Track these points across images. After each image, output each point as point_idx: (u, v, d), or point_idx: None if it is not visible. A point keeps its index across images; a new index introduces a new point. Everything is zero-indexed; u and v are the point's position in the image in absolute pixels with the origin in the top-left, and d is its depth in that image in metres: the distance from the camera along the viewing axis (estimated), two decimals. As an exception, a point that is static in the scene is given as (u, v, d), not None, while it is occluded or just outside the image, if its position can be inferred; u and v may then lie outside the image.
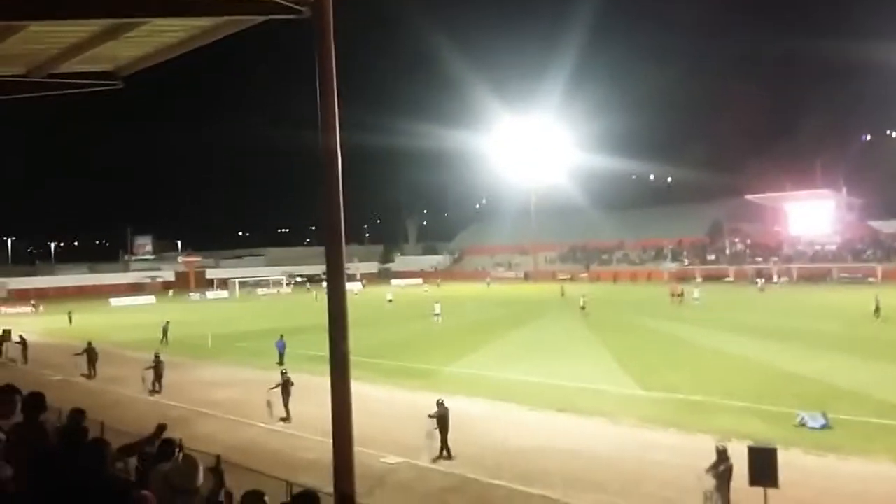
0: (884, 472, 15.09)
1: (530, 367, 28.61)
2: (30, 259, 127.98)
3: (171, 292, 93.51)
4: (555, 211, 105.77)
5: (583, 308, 49.67)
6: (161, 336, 40.00)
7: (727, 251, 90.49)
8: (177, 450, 6.65)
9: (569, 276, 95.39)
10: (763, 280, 71.27)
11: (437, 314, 47.15)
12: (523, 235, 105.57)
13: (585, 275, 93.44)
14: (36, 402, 6.09)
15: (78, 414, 6.96)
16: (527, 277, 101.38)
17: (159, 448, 6.71)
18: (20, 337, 36.84)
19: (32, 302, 74.40)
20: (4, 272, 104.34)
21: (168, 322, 41.79)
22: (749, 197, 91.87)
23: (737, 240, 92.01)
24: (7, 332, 38.80)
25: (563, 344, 35.16)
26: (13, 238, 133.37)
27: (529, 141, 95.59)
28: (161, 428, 6.83)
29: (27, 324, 50.50)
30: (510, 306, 58.18)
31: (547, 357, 31.10)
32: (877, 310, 40.03)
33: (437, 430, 17.43)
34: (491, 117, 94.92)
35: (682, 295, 55.89)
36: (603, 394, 23.53)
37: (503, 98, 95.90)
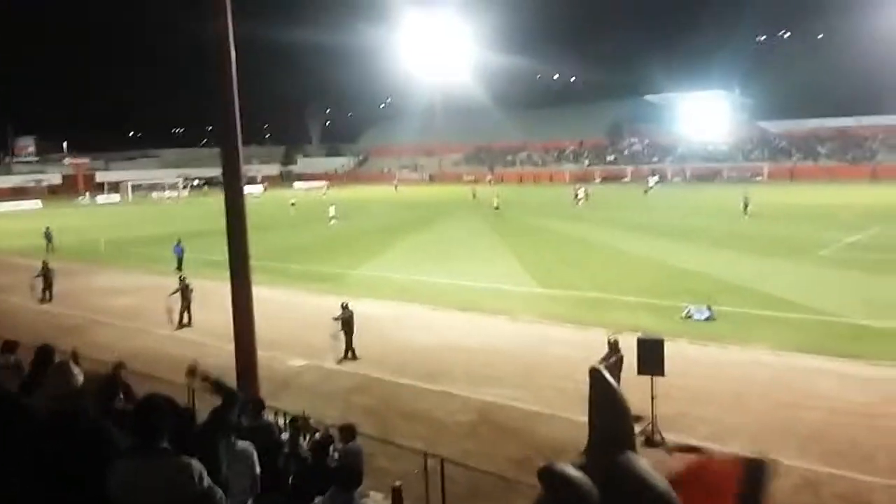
0: (762, 359, 16.33)
1: (434, 268, 29.03)
2: None
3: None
4: (460, 111, 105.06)
5: (496, 208, 50.50)
6: (45, 242, 38.12)
7: (626, 152, 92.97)
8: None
9: (473, 178, 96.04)
10: (653, 178, 73.54)
11: (333, 217, 47.51)
12: (429, 136, 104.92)
13: (490, 177, 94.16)
14: None
15: None
16: (432, 179, 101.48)
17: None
18: None
19: None
20: None
21: (49, 227, 39.64)
22: (648, 97, 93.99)
23: (636, 140, 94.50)
24: None
25: (466, 246, 35.72)
26: None
27: (435, 37, 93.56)
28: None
29: None
30: (416, 209, 58.34)
31: (451, 259, 31.58)
32: (745, 207, 42.46)
33: (343, 332, 17.61)
34: (397, 11, 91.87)
35: (585, 197, 57.24)
36: (505, 293, 24.21)
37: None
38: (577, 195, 55.82)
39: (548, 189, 66.12)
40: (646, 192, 63.23)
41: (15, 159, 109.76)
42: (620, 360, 13.52)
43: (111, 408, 5.73)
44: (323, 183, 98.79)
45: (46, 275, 26.57)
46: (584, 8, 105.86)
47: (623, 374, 13.39)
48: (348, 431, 9.33)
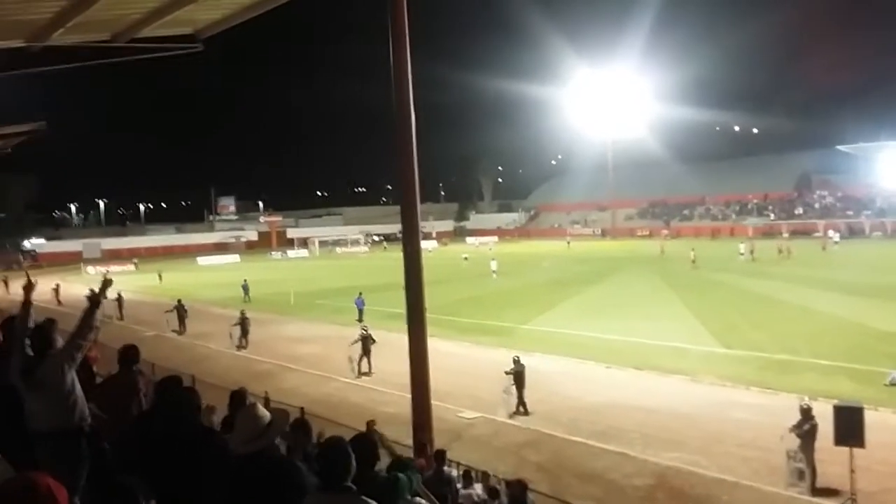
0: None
1: (608, 324, 28.37)
2: (121, 220, 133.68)
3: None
4: (633, 165, 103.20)
5: (693, 262, 49.78)
6: (243, 293, 41.47)
7: (816, 205, 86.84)
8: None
9: (647, 233, 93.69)
10: (834, 233, 68.16)
11: (494, 271, 48.80)
12: (600, 191, 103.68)
13: (666, 231, 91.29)
14: (129, 354, 6.48)
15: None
16: (604, 234, 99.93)
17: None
18: (117, 294, 38.74)
19: (134, 261, 78.20)
20: (98, 233, 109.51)
21: (246, 280, 43.21)
22: (840, 147, 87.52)
23: (826, 193, 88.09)
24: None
25: (641, 302, 34.64)
26: (105, 200, 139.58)
27: (607, 93, 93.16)
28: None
29: (121, 282, 53.04)
30: (589, 264, 57.61)
31: (626, 315, 30.73)
32: None
33: (514, 387, 17.58)
34: (567, 69, 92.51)
35: (750, 253, 54.47)
36: (683, 352, 23.16)
37: (580, 49, 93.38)
38: (741, 251, 54.36)
39: (727, 244, 62.95)
40: (824, 248, 58.61)
41: (217, 217, 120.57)
42: (814, 428, 12.49)
43: (304, 450, 6.08)
44: (493, 238, 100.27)
45: (243, 324, 28.83)
46: (765, 56, 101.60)
47: (817, 444, 12.37)
48: (518, 487, 9.22)
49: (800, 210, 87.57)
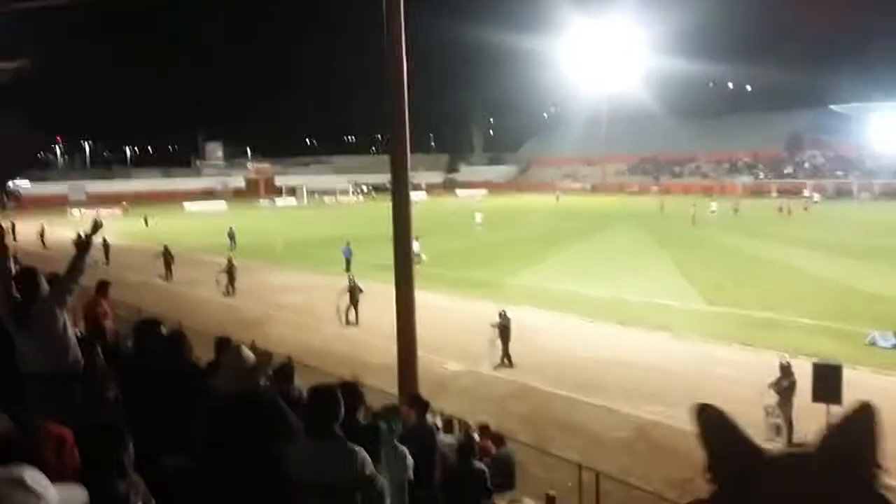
0: (956, 395, 14.77)
1: (595, 279, 28.61)
2: (106, 163, 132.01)
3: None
4: (626, 120, 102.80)
5: (693, 219, 50.36)
6: (229, 241, 41.37)
7: (806, 165, 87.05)
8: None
9: (636, 189, 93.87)
10: (814, 194, 69.01)
11: (479, 223, 49.79)
12: (592, 145, 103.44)
13: (655, 188, 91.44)
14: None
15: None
16: (594, 190, 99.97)
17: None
18: (103, 239, 38.53)
19: (124, 204, 77.74)
20: (83, 175, 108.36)
21: (233, 227, 43.04)
22: (833, 107, 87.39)
23: (817, 153, 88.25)
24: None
25: (628, 258, 34.89)
26: (90, 141, 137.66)
27: (602, 44, 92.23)
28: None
29: (107, 226, 52.61)
30: (577, 220, 57.77)
31: (612, 270, 30.98)
32: None
33: (499, 339, 17.78)
34: (561, 19, 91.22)
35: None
36: (668, 308, 23.44)
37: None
38: (713, 209, 54.99)
39: (718, 202, 63.20)
40: (805, 208, 58.72)
41: (204, 163, 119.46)
42: (793, 384, 12.77)
43: (286, 393, 6.16)
44: (481, 191, 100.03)
45: (230, 271, 28.87)
46: (763, 10, 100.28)
47: (796, 401, 12.65)
48: (491, 434, 9.44)
49: (790, 169, 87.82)
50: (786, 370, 12.99)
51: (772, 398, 12.87)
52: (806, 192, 71.78)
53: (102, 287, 10.10)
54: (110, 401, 4.90)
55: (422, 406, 8.32)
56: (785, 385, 12.85)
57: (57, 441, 2.41)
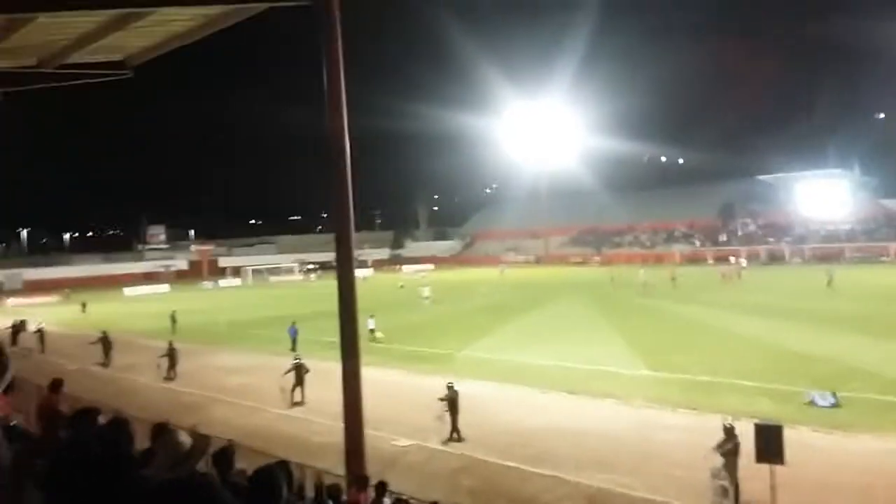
0: (892, 448, 15.16)
1: (541, 350, 28.76)
2: (44, 250, 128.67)
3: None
4: (566, 194, 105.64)
5: (644, 284, 51.77)
6: (171, 324, 40.46)
7: (739, 232, 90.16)
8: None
9: (580, 260, 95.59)
10: (738, 261, 71.56)
11: (427, 297, 50.22)
12: (534, 219, 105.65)
13: (597, 258, 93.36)
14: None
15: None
16: (538, 262, 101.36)
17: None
18: (38, 327, 37.34)
19: (66, 291, 75.48)
20: (20, 263, 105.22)
21: (175, 310, 42.27)
22: (761, 177, 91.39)
23: (749, 220, 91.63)
24: (22, 323, 39.35)
25: (572, 327, 35.26)
26: (28, 229, 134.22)
27: (540, 124, 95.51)
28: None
29: (43, 314, 51.05)
30: (522, 290, 58.32)
31: (558, 340, 31.22)
32: (829, 283, 47.45)
33: (448, 413, 17.63)
34: (500, 101, 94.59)
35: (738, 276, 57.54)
36: (613, 376, 23.65)
37: (513, 81, 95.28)
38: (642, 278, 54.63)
39: (656, 271, 64.64)
40: (739, 275, 59.79)
41: (147, 247, 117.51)
42: (737, 446, 12.93)
43: (226, 478, 6.01)
44: (428, 266, 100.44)
45: (171, 355, 28.13)
46: (689, 90, 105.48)
47: (741, 462, 12.81)
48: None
49: (724, 237, 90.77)
50: (729, 432, 13.18)
51: (717, 461, 13.00)
52: (732, 259, 73.97)
53: (56, 385, 9.77)
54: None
55: (381, 488, 8.21)
56: (729, 447, 13.00)
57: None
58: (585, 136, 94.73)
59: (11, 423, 5.27)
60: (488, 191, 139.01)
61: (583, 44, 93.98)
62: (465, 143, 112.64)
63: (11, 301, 71.60)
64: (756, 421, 13.40)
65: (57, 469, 4.94)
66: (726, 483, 12.84)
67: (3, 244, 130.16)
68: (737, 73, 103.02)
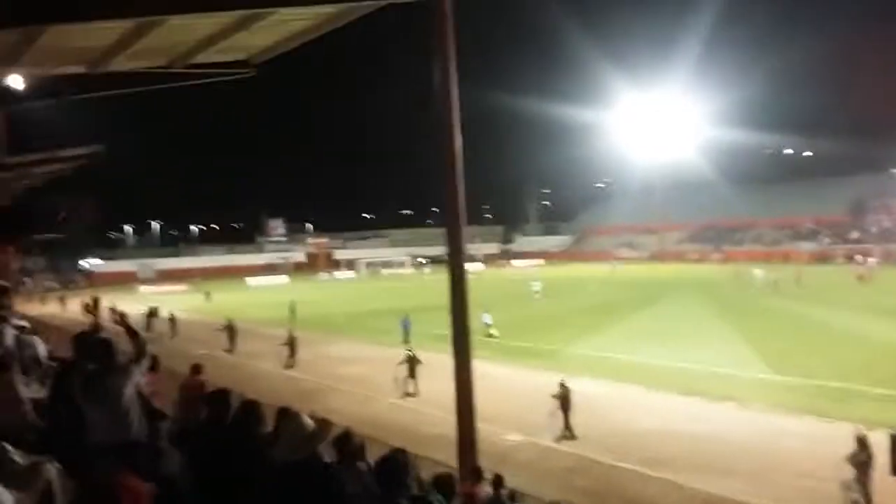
0: None
1: (656, 349, 28.00)
2: (174, 242, 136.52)
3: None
4: (683, 188, 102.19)
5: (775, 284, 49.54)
6: (290, 314, 42.01)
7: (873, 229, 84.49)
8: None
9: (698, 257, 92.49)
10: (866, 260, 66.19)
11: (537, 291, 49.65)
12: (649, 215, 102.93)
13: (717, 256, 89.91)
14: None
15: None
16: (653, 258, 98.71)
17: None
18: (170, 314, 39.69)
19: (197, 279, 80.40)
20: (152, 254, 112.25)
21: (293, 301, 43.89)
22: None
23: (883, 216, 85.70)
24: (155, 310, 41.93)
25: (689, 327, 34.09)
26: (160, 222, 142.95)
27: (655, 115, 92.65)
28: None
29: (172, 301, 54.15)
30: (636, 289, 56.97)
31: (674, 339, 30.26)
32: None
33: (560, 410, 17.40)
34: (613, 91, 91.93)
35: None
36: (732, 378, 22.70)
37: (627, 70, 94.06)
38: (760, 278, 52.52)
39: (781, 269, 61.28)
40: (861, 276, 55.47)
41: (266, 239, 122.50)
42: (870, 458, 12.09)
43: (346, 463, 6.11)
44: (540, 261, 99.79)
45: (291, 343, 29.20)
46: (817, 77, 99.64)
47: (874, 475, 11.98)
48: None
49: (855, 234, 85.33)
50: (862, 442, 12.34)
51: (849, 472, 12.20)
52: (859, 258, 69.22)
53: (197, 368, 10.53)
54: (174, 470, 4.94)
55: (497, 482, 8.19)
56: (862, 458, 12.18)
57: (134, 495, 2.46)
58: (704, 126, 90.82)
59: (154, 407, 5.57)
60: (600, 185, 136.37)
61: (703, 30, 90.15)
62: (577, 136, 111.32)
63: (144, 289, 76.60)
64: (891, 431, 12.52)
65: (198, 447, 5.20)
66: (858, 496, 12.05)
67: (138, 236, 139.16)
68: (871, 60, 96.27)
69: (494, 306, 36.44)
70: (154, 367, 10.13)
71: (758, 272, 54.22)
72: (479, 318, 31.90)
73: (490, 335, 32.06)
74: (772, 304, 41.38)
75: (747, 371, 23.57)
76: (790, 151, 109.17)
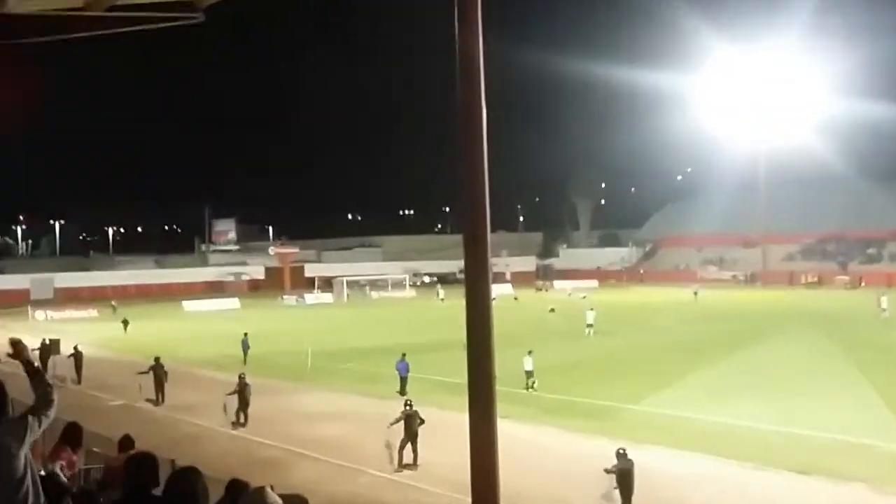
0: None
1: (756, 408, 27.94)
2: (82, 249, 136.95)
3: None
4: (796, 185, 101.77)
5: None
6: (242, 352, 42.17)
7: None
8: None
9: (816, 280, 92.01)
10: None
11: (590, 325, 49.88)
12: (747, 221, 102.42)
13: (845, 278, 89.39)
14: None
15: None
16: (752, 281, 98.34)
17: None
18: (74, 349, 39.73)
19: (113, 302, 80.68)
20: (51, 265, 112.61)
21: (247, 334, 43.97)
22: None
23: None
24: (54, 343, 41.75)
25: (806, 378, 33.96)
26: (61, 221, 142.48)
27: (758, 84, 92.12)
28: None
29: (78, 331, 54.41)
30: (727, 322, 56.85)
31: (782, 395, 30.20)
32: None
33: (617, 491, 17.42)
34: (699, 51, 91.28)
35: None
36: (864, 449, 22.66)
37: (717, 22, 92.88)
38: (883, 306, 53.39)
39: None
40: None
41: (212, 247, 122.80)
42: None
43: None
44: (591, 282, 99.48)
45: (242, 392, 29.27)
46: None
47: None
48: None
49: None
50: None
51: None
52: None
53: (70, 433, 10.19)
54: None
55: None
56: None
57: None
58: (830, 98, 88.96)
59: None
60: (680, 178, 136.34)
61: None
62: (648, 111, 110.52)
63: (39, 314, 76.76)
64: None
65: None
66: None
67: (31, 241, 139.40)
68: None
69: (529, 345, 36.48)
70: (74, 440, 10.23)
71: (884, 299, 54.47)
72: (518, 361, 32.01)
73: (530, 386, 32.00)
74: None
75: (886, 440, 23.46)
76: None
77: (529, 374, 32.47)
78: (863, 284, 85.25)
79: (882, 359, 37.96)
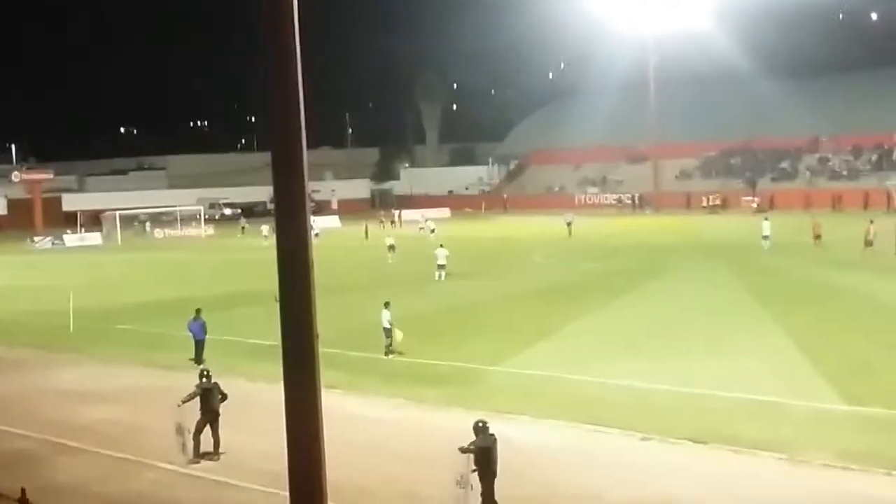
0: None
1: (642, 365, 28.76)
2: None
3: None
4: (692, 84, 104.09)
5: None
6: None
7: None
8: None
9: (718, 202, 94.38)
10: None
11: (441, 266, 50.09)
12: (635, 130, 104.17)
13: (753, 199, 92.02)
14: None
15: None
16: (640, 206, 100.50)
17: None
18: None
19: None
20: None
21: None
22: None
23: None
24: None
25: (701, 327, 34.99)
26: None
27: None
28: None
29: None
30: (610, 260, 58.21)
31: (677, 349, 31.12)
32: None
33: (476, 474, 17.66)
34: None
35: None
36: (776, 411, 23.59)
37: None
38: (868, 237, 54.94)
39: (856, 218, 63.44)
40: None
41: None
42: None
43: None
44: (443, 211, 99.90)
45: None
46: None
47: None
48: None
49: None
50: None
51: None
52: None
53: None
54: None
55: None
56: None
57: None
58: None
59: None
60: (551, 76, 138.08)
61: None
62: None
63: None
64: None
65: None
66: None
67: None
68: None
69: (364, 293, 36.52)
70: None
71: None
72: (376, 316, 31.72)
73: (392, 350, 31.49)
74: (847, 281, 43.15)
75: (803, 398, 24.42)
76: (875, 17, 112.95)
77: (388, 331, 31.96)
78: (775, 207, 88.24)
79: (803, 300, 39.46)
